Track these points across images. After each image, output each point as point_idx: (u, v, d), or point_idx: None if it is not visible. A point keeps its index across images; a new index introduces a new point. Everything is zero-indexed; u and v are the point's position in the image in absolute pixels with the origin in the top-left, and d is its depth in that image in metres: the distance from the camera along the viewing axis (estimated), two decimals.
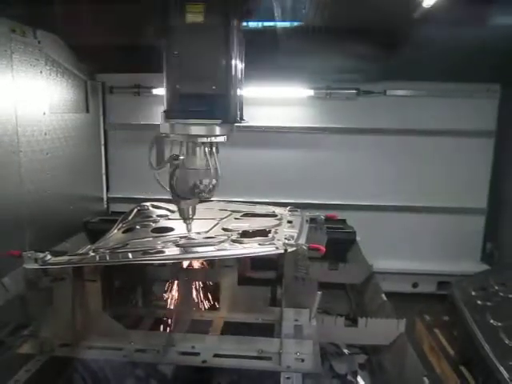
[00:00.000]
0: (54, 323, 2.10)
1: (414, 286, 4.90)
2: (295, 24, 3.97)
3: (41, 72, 3.56)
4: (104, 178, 4.94)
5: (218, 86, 1.80)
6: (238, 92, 1.93)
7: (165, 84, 1.86)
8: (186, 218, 2.23)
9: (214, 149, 2.05)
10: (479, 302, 3.18)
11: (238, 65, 1.87)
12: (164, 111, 1.90)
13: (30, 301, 2.13)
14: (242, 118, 2.03)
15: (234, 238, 2.25)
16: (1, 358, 2.07)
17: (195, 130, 1.90)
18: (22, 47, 3.26)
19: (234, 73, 1.83)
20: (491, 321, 2.88)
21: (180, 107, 1.85)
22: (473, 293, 3.33)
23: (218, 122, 1.87)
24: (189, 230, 2.26)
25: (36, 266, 1.98)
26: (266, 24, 4.05)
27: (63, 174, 3.89)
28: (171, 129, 1.91)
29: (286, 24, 3.99)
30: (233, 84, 1.84)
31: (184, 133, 1.91)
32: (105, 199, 4.99)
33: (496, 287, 3.34)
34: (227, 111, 1.86)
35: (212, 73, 1.79)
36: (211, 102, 1.82)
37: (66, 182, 3.95)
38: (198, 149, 1.98)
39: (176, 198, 2.13)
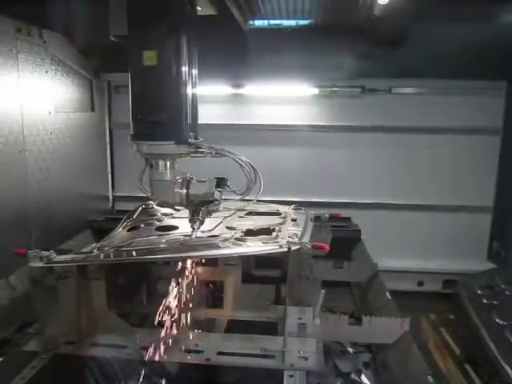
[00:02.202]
0: (58, 321, 2.11)
1: (420, 284, 4.88)
2: (300, 23, 3.98)
3: (46, 71, 3.58)
4: (109, 176, 4.96)
5: (170, 115, 2.17)
6: (190, 113, 2.26)
7: (130, 112, 2.22)
8: (194, 217, 2.25)
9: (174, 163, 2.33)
10: (485, 301, 3.17)
11: (188, 96, 2.24)
12: (130, 135, 2.26)
13: (35, 299, 2.14)
14: (196, 138, 2.32)
15: (237, 236, 2.24)
16: (7, 356, 2.08)
17: (150, 148, 2.24)
18: (27, 47, 3.28)
19: (185, 102, 2.20)
20: (497, 319, 2.88)
21: (140, 131, 2.23)
22: (478, 291, 3.33)
23: (172, 142, 2.20)
24: (193, 233, 2.23)
25: (41, 265, 1.99)
26: (272, 22, 4.07)
27: (69, 173, 3.91)
28: (136, 148, 2.28)
29: (292, 23, 4.00)
30: (184, 111, 2.20)
31: (145, 151, 2.26)
32: (110, 198, 5.02)
33: (502, 286, 3.33)
34: (178, 134, 2.21)
35: (164, 104, 2.17)
36: (165, 127, 2.18)
37: (71, 181, 3.97)
38: (160, 163, 2.30)
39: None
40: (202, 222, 2.24)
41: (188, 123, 2.24)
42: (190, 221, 2.23)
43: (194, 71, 2.30)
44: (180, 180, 2.31)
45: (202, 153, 2.32)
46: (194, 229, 2.21)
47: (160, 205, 2.54)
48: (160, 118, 2.15)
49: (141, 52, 2.09)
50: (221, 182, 2.34)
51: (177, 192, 2.30)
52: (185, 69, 2.18)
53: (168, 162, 2.30)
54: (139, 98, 2.19)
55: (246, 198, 2.50)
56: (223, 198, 2.38)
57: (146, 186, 2.40)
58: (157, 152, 2.23)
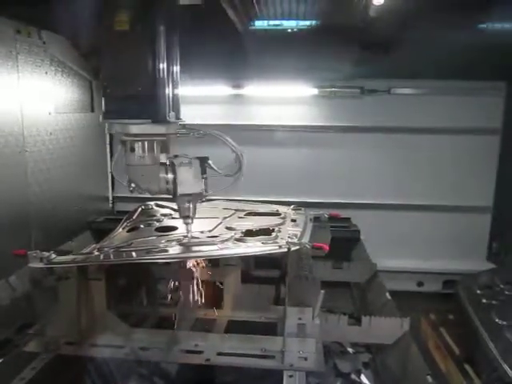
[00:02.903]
0: (59, 322, 2.11)
1: (419, 284, 4.89)
2: (300, 24, 3.99)
3: (46, 72, 3.59)
4: (109, 177, 4.96)
5: (144, 88, 1.95)
6: (170, 92, 2.05)
7: (102, 87, 2.02)
8: (185, 216, 2.20)
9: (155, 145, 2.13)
10: (484, 301, 3.17)
11: (166, 68, 2.00)
12: (102, 113, 2.07)
13: (35, 299, 2.14)
14: (178, 118, 2.13)
15: (237, 236, 2.25)
16: (7, 356, 2.08)
17: (123, 128, 2.02)
18: (27, 48, 3.29)
19: (161, 74, 1.97)
20: (496, 319, 2.88)
21: (113, 108, 2.02)
22: (478, 291, 3.33)
23: (149, 121, 2.00)
24: (188, 231, 2.22)
25: (41, 265, 2.00)
26: (272, 23, 4.07)
27: (69, 174, 3.92)
28: (109, 128, 2.07)
29: (292, 24, 4.00)
30: (161, 85, 1.98)
31: (117, 131, 2.05)
32: (110, 198, 5.02)
33: (501, 286, 3.33)
34: (155, 111, 1.99)
35: (138, 75, 1.95)
36: (139, 103, 1.97)
37: (71, 182, 3.98)
38: (136, 145, 2.09)
39: (175, 197, 2.16)
40: (193, 219, 2.21)
41: (166, 100, 2.02)
42: (183, 219, 2.20)
43: (175, 45, 2.07)
44: (163, 163, 2.13)
45: (184, 133, 2.16)
46: (188, 227, 2.20)
47: (135, 190, 2.23)
48: (133, 91, 1.93)
49: (112, 15, 1.88)
50: (203, 162, 2.18)
51: (162, 177, 2.13)
52: (161, 38, 1.95)
53: (147, 144, 2.09)
54: (110, 69, 1.98)
55: (242, 198, 2.47)
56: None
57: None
58: (130, 132, 2.01)
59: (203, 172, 2.16)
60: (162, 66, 1.97)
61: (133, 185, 2.19)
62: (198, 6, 2.24)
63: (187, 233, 2.21)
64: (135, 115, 1.98)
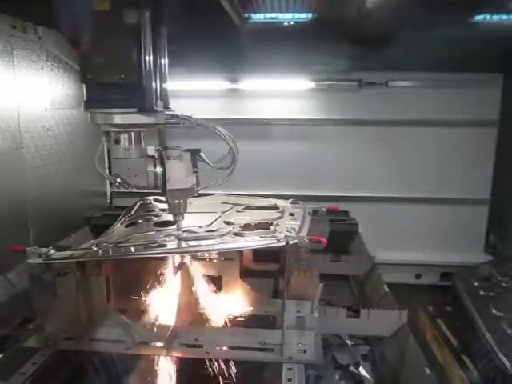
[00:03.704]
0: (58, 317, 2.12)
1: (417, 277, 4.92)
2: (296, 16, 3.96)
3: (42, 68, 3.57)
4: (107, 172, 4.94)
5: (128, 74, 1.81)
6: (158, 80, 1.93)
7: (80, 73, 1.88)
8: (176, 213, 2.12)
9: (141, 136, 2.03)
10: (482, 293, 3.19)
11: (151, 55, 1.86)
12: (83, 102, 1.93)
13: (34, 295, 2.14)
14: (166, 107, 1.99)
15: (235, 231, 2.25)
16: (7, 352, 2.09)
17: (105, 118, 1.91)
18: (22, 43, 3.27)
19: (147, 62, 1.83)
20: (494, 311, 2.90)
21: (95, 97, 1.89)
22: (475, 283, 3.35)
23: (134, 110, 1.87)
24: (179, 229, 2.15)
25: (39, 261, 2.00)
26: (268, 16, 4.05)
27: (66, 170, 3.91)
28: (92, 118, 1.95)
29: (288, 17, 3.98)
30: (146, 71, 1.84)
31: (99, 122, 1.95)
32: (108, 194, 5.02)
33: (499, 278, 3.35)
34: (141, 100, 1.85)
35: (121, 61, 1.80)
36: (123, 91, 1.84)
37: (69, 177, 3.97)
38: (122, 137, 1.99)
39: (164, 193, 2.07)
40: (183, 215, 2.13)
41: (152, 87, 1.87)
42: (173, 215, 2.13)
43: (163, 33, 1.94)
44: (151, 155, 2.01)
45: (174, 123, 2.02)
46: (178, 224, 2.16)
47: (120, 185, 2.10)
48: (115, 78, 1.79)
49: None
50: (195, 155, 2.06)
51: (150, 171, 2.00)
52: (146, 22, 1.78)
53: (133, 135, 1.97)
54: (90, 53, 1.81)
55: (241, 192, 2.45)
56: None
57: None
58: (114, 123, 1.88)
59: (194, 166, 2.06)
60: (148, 51, 1.82)
61: (118, 180, 2.07)
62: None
63: (178, 230, 2.15)
64: (120, 104, 1.84)
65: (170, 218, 2.62)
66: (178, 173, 2.02)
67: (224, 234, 2.17)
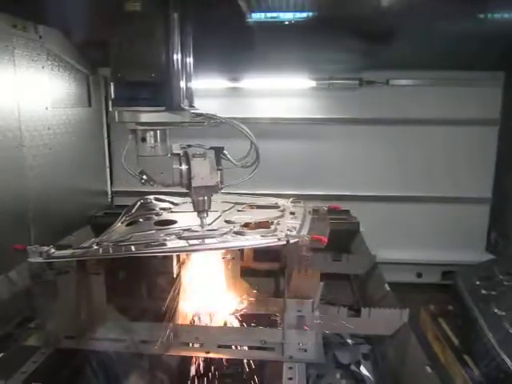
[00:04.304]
0: (58, 316, 2.12)
1: (419, 276, 4.91)
2: (297, 15, 3.96)
3: (43, 67, 3.57)
4: (108, 171, 4.96)
5: (158, 73, 1.86)
6: (183, 78, 1.98)
7: (111, 72, 1.93)
8: (200, 210, 2.15)
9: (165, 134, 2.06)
10: (483, 292, 3.18)
11: (180, 54, 1.93)
12: (111, 100, 1.98)
13: (35, 294, 2.15)
14: (191, 105, 2.05)
15: (236, 229, 2.25)
16: (8, 351, 2.09)
17: (135, 116, 1.93)
18: (23, 42, 3.27)
19: (175, 61, 1.89)
20: (495, 310, 2.89)
21: (123, 95, 1.93)
22: (477, 282, 3.33)
23: (162, 109, 1.92)
24: (203, 225, 2.18)
25: (40, 260, 2.00)
26: (269, 15, 4.04)
27: (67, 169, 3.91)
28: (119, 117, 1.97)
29: (289, 16, 3.97)
30: (175, 70, 1.89)
31: (128, 120, 1.96)
32: (109, 193, 5.02)
33: (500, 276, 3.34)
34: (169, 98, 1.90)
35: (152, 60, 1.86)
36: (152, 89, 1.88)
37: (70, 176, 3.97)
38: (148, 135, 2.01)
39: (189, 190, 2.10)
40: (207, 212, 2.18)
41: (180, 85, 1.93)
42: (198, 213, 2.17)
43: (189, 33, 2.01)
44: (176, 153, 2.06)
45: (198, 121, 2.05)
46: (202, 220, 2.19)
47: (146, 182, 2.14)
48: (146, 77, 1.85)
49: None
50: (218, 152, 2.11)
51: (175, 169, 2.05)
52: (175, 23, 1.87)
53: (159, 133, 2.02)
54: (120, 52, 1.87)
55: (242, 191, 2.43)
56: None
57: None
58: (142, 121, 1.92)
59: (218, 163, 2.10)
60: (177, 50, 1.90)
61: (144, 177, 2.11)
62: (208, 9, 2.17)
63: (202, 227, 2.18)
64: (148, 102, 1.90)
65: (170, 217, 2.63)
66: (203, 170, 2.05)
67: (225, 233, 2.17)
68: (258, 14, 3.98)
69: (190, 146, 2.12)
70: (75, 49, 4.06)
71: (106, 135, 4.83)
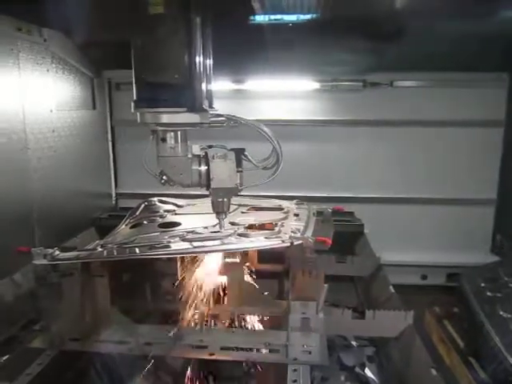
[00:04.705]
0: (63, 318, 2.12)
1: (423, 278, 4.89)
2: (301, 17, 3.95)
3: (47, 70, 3.59)
4: (112, 174, 4.97)
5: (181, 75, 1.88)
6: (205, 84, 2.02)
7: (133, 74, 1.94)
8: (219, 211, 2.16)
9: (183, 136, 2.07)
10: (489, 294, 3.16)
11: (201, 56, 1.96)
12: (133, 101, 1.99)
13: (40, 296, 2.15)
14: (211, 106, 2.06)
15: (240, 231, 2.25)
16: (13, 353, 2.10)
17: (157, 117, 1.96)
18: (28, 45, 3.29)
19: (197, 63, 1.92)
20: (501, 312, 2.87)
21: (145, 96, 1.95)
22: (482, 284, 3.31)
23: (183, 110, 1.93)
24: (221, 227, 2.18)
25: (45, 262, 2.00)
26: (273, 17, 4.04)
27: (71, 171, 3.92)
28: (140, 118, 2.00)
29: (292, 18, 3.97)
30: (198, 72, 1.92)
31: (150, 121, 1.99)
32: (113, 195, 5.03)
33: (506, 278, 3.32)
34: (191, 99, 1.92)
35: (176, 61, 1.89)
36: (175, 90, 1.90)
37: (74, 179, 3.98)
38: (168, 135, 2.02)
39: (208, 191, 2.11)
40: (226, 214, 2.18)
41: (202, 87, 1.96)
42: (216, 214, 2.17)
43: (209, 35, 2.04)
44: (196, 154, 2.06)
45: (218, 122, 2.06)
46: (220, 222, 2.20)
47: (166, 183, 2.14)
48: (169, 78, 1.87)
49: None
50: (239, 154, 2.11)
51: (194, 169, 2.06)
52: (197, 25, 1.89)
53: (180, 134, 2.03)
54: (143, 54, 1.89)
55: (245, 193, 2.42)
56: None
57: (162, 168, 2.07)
58: (164, 122, 1.95)
59: (239, 165, 2.10)
60: (199, 52, 1.93)
61: (164, 177, 2.12)
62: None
63: (220, 228, 2.19)
64: (170, 103, 1.91)
65: (174, 219, 2.64)
66: (222, 172, 2.06)
67: (229, 235, 2.17)
68: (262, 16, 3.98)
69: (211, 146, 2.13)
70: (80, 52, 4.08)
71: (110, 138, 4.85)
